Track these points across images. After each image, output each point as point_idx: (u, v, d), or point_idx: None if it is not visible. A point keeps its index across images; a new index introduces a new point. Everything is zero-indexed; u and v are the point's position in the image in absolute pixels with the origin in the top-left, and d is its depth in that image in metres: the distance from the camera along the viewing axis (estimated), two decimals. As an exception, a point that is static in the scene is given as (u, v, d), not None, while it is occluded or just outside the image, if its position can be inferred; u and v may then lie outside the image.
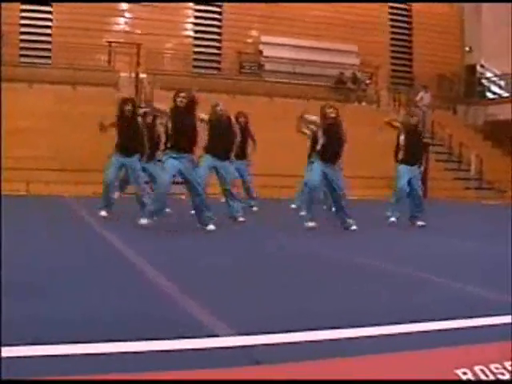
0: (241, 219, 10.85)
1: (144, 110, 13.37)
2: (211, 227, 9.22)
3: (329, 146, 9.75)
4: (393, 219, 10.75)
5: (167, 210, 11.93)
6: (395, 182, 10.95)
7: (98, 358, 3.16)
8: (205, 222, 9.27)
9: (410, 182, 10.76)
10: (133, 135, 10.64)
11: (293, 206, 13.35)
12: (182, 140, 9.05)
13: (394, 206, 10.89)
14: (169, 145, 9.16)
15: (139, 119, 11.01)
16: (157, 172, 12.23)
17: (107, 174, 10.69)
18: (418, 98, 25.18)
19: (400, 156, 10.84)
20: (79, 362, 3.09)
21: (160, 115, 10.29)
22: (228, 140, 11.00)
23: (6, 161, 15.46)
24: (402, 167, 10.80)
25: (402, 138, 10.74)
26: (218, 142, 10.76)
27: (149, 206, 9.48)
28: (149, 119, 12.56)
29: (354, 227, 9.82)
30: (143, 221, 9.17)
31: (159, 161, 12.29)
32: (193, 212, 9.98)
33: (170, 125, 9.13)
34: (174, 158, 9.09)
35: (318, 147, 9.85)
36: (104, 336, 3.47)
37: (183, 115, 9.10)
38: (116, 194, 11.75)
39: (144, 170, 11.39)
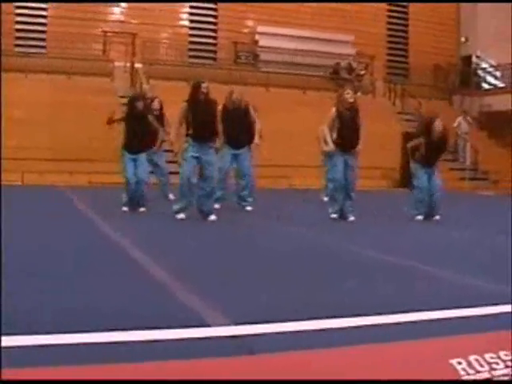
0: (248, 208, 11.13)
1: (150, 97, 13.34)
2: (213, 217, 9.29)
3: (346, 132, 9.65)
4: (419, 217, 10.43)
5: (171, 195, 12.00)
6: (413, 180, 10.67)
7: (91, 347, 3.16)
8: (208, 211, 9.32)
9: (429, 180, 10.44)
10: (142, 134, 10.47)
11: (324, 198, 12.91)
12: (202, 130, 9.09)
13: (414, 204, 10.57)
14: (189, 133, 9.17)
15: (149, 115, 10.87)
16: (162, 162, 12.24)
17: (127, 172, 10.47)
18: (455, 124, 23.46)
19: (416, 156, 10.51)
20: (72, 352, 3.08)
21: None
22: (245, 128, 11.03)
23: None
24: (418, 166, 10.51)
25: (420, 140, 10.45)
26: (234, 131, 10.76)
27: (174, 205, 9.44)
28: (155, 105, 12.49)
29: (352, 218, 9.82)
30: (179, 215, 9.24)
31: (166, 151, 12.37)
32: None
33: (190, 115, 9.12)
34: (194, 148, 9.15)
35: (334, 135, 9.71)
36: (97, 326, 3.46)
37: (203, 106, 9.15)
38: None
39: (150, 160, 11.36)
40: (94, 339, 3.25)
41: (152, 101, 12.62)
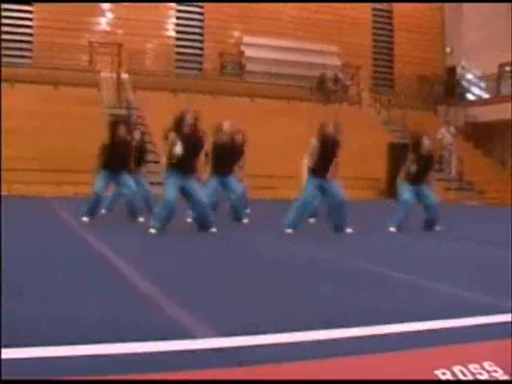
0: (244, 220, 11.35)
1: (136, 126, 13.54)
2: (214, 229, 9.40)
3: (322, 162, 9.71)
4: (392, 229, 10.38)
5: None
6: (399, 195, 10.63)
7: (78, 360, 3.16)
8: (209, 224, 9.41)
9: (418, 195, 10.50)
10: (122, 159, 10.63)
11: None
12: (185, 164, 9.08)
13: (393, 214, 10.60)
14: (172, 163, 9.16)
15: (129, 139, 11.00)
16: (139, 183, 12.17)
17: (97, 187, 10.60)
18: (439, 136, 23.45)
19: (404, 176, 10.52)
20: (52, 365, 3.08)
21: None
22: (234, 160, 11.24)
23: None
24: (406, 187, 10.49)
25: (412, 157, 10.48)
26: (222, 163, 10.95)
27: (155, 223, 9.31)
28: (137, 135, 12.62)
29: (348, 230, 9.93)
30: (152, 230, 9.16)
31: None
32: (189, 220, 10.43)
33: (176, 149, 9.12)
34: (177, 178, 9.16)
35: (311, 164, 9.76)
36: (84, 339, 3.46)
37: (190, 140, 9.13)
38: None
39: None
40: (78, 352, 3.25)
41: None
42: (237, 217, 11.39)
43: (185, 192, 9.32)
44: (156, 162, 16.30)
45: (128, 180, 10.71)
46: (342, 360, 3.17)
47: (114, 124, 10.92)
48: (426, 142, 10.54)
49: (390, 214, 10.77)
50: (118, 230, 9.98)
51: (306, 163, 9.76)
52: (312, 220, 11.41)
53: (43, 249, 7.43)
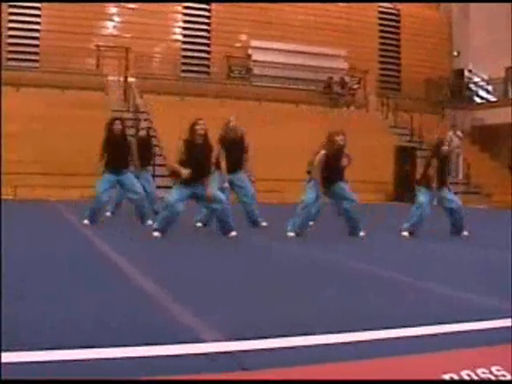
0: (263, 224, 11.02)
1: (141, 125, 13.52)
2: (233, 233, 9.32)
3: (328, 173, 9.68)
4: (405, 233, 10.24)
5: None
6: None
7: (85, 363, 3.14)
8: (228, 229, 9.34)
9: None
10: (123, 155, 10.53)
11: None
12: (195, 172, 9.04)
13: (408, 218, 10.41)
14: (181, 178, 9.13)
15: (129, 137, 10.96)
16: (144, 183, 12.07)
17: (99, 189, 10.52)
18: (446, 139, 23.54)
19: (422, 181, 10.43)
20: (55, 369, 3.06)
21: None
22: (240, 157, 10.95)
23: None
24: (423, 189, 10.37)
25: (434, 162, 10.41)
26: (231, 160, 10.69)
27: (155, 225, 9.28)
28: (142, 133, 12.56)
29: (362, 233, 9.93)
30: (156, 233, 9.13)
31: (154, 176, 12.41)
32: (199, 224, 10.46)
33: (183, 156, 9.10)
34: (186, 185, 9.12)
35: (318, 176, 9.74)
36: (91, 342, 3.45)
37: (198, 147, 9.12)
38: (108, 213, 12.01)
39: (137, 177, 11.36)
40: (88, 355, 3.23)
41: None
42: (253, 220, 10.98)
43: (198, 199, 9.35)
44: (162, 165, 16.35)
45: (134, 184, 10.66)
46: (349, 364, 3.15)
47: (110, 121, 10.87)
48: (445, 145, 10.55)
49: (397, 217, 10.74)
50: (123, 232, 9.96)
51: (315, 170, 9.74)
52: (311, 223, 11.10)
53: (48, 251, 7.42)
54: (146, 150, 12.12)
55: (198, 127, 9.17)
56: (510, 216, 14.95)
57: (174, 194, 9.18)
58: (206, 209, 9.77)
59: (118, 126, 10.51)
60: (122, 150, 10.52)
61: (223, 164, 10.39)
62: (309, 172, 9.97)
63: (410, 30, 29.98)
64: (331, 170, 9.71)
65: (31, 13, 24.95)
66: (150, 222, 10.54)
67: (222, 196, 9.42)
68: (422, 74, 29.13)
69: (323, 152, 9.73)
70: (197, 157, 9.08)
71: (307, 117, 23.32)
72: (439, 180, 10.38)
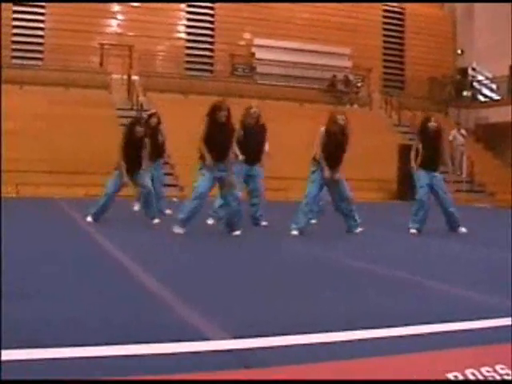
0: (263, 223, 10.81)
1: (150, 113, 13.36)
2: (238, 232, 9.24)
3: (330, 153, 9.55)
4: (413, 230, 10.21)
5: (168, 211, 11.94)
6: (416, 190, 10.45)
7: (88, 361, 3.14)
8: (235, 226, 9.29)
9: (432, 190, 10.29)
10: (138, 157, 10.44)
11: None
12: (217, 154, 9.01)
13: (414, 217, 10.33)
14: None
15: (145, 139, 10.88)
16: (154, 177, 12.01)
17: (111, 189, 10.50)
18: (450, 137, 22.84)
19: (418, 161, 10.34)
20: (68, 365, 3.06)
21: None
22: (261, 145, 10.85)
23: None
24: (422, 173, 10.32)
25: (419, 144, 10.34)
26: (250, 148, 10.58)
27: (180, 214, 9.25)
28: (153, 122, 12.37)
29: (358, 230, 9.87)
30: (177, 229, 9.11)
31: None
32: (210, 221, 10.47)
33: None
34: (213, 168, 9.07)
35: (318, 154, 9.63)
36: (96, 339, 3.45)
37: (221, 130, 9.00)
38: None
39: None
40: (93, 353, 3.23)
41: (150, 117, 12.55)
42: (255, 219, 10.85)
43: (220, 184, 9.26)
44: (166, 163, 16.33)
45: (144, 178, 10.61)
46: (352, 362, 3.14)
47: (132, 122, 10.82)
48: (432, 122, 10.38)
49: (400, 215, 10.72)
50: (127, 230, 9.96)
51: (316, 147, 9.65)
52: (314, 221, 11.05)
53: (51, 249, 7.42)
54: (155, 141, 11.83)
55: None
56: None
57: (203, 184, 9.11)
58: (223, 200, 9.51)
59: (139, 130, 10.42)
60: (139, 152, 10.44)
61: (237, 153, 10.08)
62: (314, 159, 9.86)
63: (414, 29, 29.94)
64: (332, 148, 9.56)
65: (35, 11, 24.98)
66: (156, 220, 10.48)
67: (239, 194, 9.39)
68: (426, 73, 29.10)
69: (323, 128, 9.69)
70: (221, 140, 9.01)
71: (311, 115, 23.26)
72: (428, 161, 10.22)
